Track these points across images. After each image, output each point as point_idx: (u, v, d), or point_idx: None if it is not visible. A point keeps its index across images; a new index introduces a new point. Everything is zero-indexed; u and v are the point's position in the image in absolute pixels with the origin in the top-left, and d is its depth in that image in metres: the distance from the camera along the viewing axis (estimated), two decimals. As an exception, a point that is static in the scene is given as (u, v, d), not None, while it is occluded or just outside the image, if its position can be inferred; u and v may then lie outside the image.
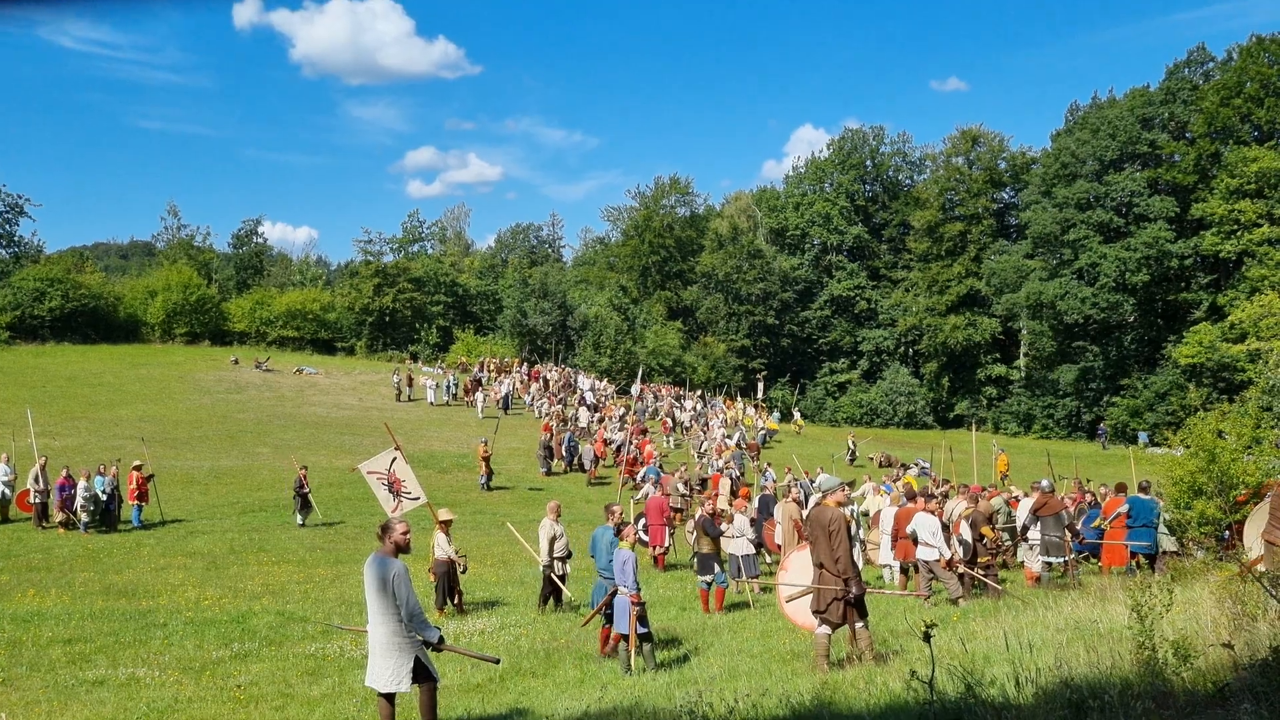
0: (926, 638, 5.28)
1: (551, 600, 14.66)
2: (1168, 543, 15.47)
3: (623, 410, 41.78)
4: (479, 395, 43.92)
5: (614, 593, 10.68)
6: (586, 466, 32.54)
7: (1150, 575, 13.93)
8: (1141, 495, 16.46)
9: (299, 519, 23.12)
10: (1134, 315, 62.97)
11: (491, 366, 53.75)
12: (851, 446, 44.45)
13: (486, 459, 29.74)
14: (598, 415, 41.51)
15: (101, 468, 22.64)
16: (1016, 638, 8.10)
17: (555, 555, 14.55)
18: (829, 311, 75.59)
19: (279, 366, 52.59)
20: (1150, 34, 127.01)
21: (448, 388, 46.39)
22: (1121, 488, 18.94)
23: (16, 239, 64.64)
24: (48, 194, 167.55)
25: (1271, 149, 56.48)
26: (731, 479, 26.35)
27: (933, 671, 5.20)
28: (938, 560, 13.93)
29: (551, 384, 49.00)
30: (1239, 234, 56.07)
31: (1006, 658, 7.52)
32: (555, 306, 65.99)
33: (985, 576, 14.23)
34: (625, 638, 10.15)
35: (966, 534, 14.33)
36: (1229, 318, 52.71)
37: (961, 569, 14.18)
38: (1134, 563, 16.50)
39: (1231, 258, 57.66)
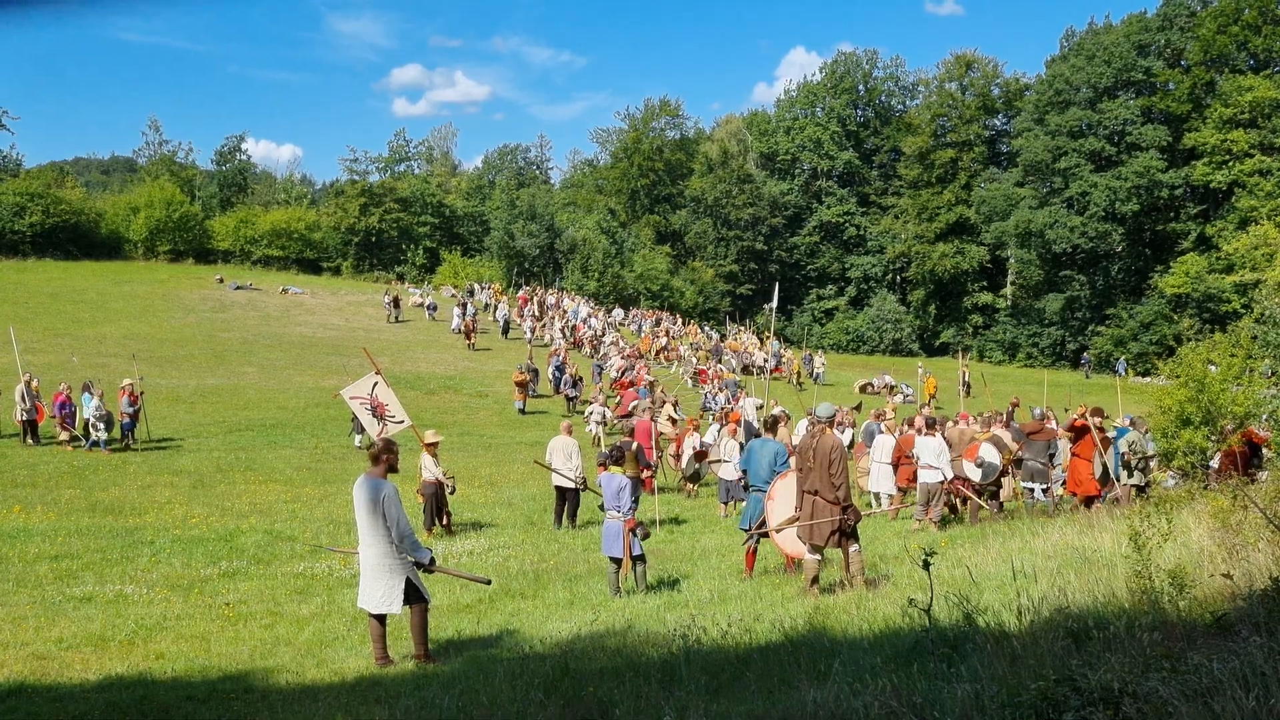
0: (926, 565, 5.24)
1: (566, 518, 15.10)
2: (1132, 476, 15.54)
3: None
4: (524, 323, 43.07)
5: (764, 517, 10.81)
6: (570, 394, 31.79)
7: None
8: (1128, 427, 16.50)
9: (356, 439, 22.87)
10: (1122, 245, 62.89)
11: (497, 291, 53.22)
12: (966, 379, 43.36)
13: (521, 384, 29.61)
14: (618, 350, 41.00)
15: (129, 387, 22.24)
16: (1008, 565, 8.12)
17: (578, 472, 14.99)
18: (818, 238, 75.20)
19: (264, 285, 52.12)
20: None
21: (499, 314, 45.05)
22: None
23: (-6, 152, 63.50)
24: (25, 106, 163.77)
25: (1267, 78, 56.00)
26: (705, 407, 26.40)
27: (931, 600, 5.16)
28: (941, 483, 14.00)
29: (547, 308, 48.75)
30: (1230, 164, 55.88)
31: (999, 585, 7.54)
32: (543, 229, 65.37)
33: (988, 502, 14.44)
34: (617, 560, 10.15)
35: (993, 456, 14.39)
36: (1218, 248, 52.81)
37: (968, 493, 14.33)
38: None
39: (1222, 188, 57.49)
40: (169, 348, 35.34)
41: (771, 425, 14.46)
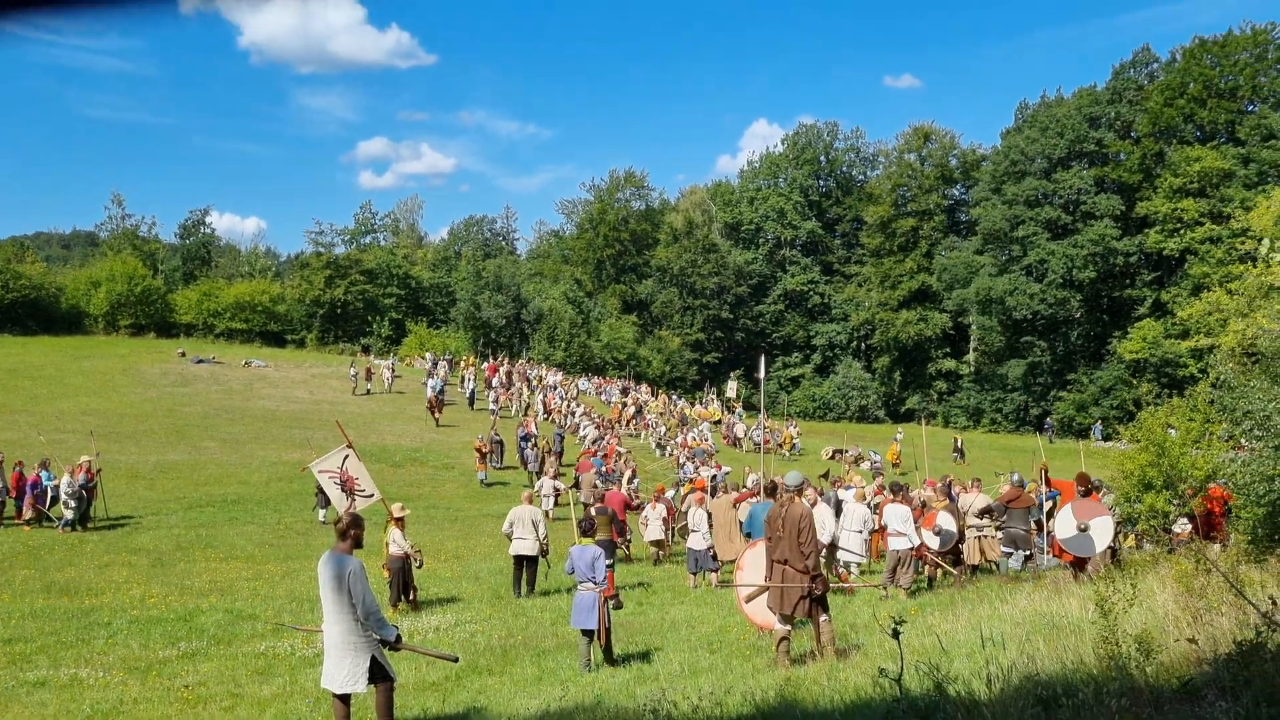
0: (895, 634, 5.22)
1: (525, 585, 15.22)
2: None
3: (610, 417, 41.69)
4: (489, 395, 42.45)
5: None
6: (529, 464, 31.09)
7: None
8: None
9: (321, 514, 22.60)
10: (1080, 311, 63.95)
11: (469, 361, 52.91)
12: (959, 446, 44.44)
13: (484, 454, 29.35)
14: (586, 418, 40.63)
15: (87, 464, 21.88)
16: (977, 631, 8.11)
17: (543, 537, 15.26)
18: (782, 306, 75.88)
19: (226, 359, 51.70)
20: (1097, 34, 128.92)
21: (468, 386, 44.82)
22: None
23: (-47, 227, 63.00)
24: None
25: (1213, 149, 57.67)
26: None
27: (901, 669, 5.15)
28: (910, 550, 14.04)
29: (514, 379, 48.63)
30: (1181, 232, 57.25)
31: (969, 652, 7.53)
32: (509, 299, 65.50)
33: (954, 568, 14.46)
34: (590, 633, 10.05)
35: (950, 524, 14.47)
36: (1173, 314, 53.90)
37: (935, 559, 14.37)
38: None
39: (1174, 255, 58.78)
40: (129, 423, 34.87)
41: (773, 490, 14.46)
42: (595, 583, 10.06)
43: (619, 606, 10.41)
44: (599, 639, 10.04)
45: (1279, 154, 55.19)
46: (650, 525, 19.55)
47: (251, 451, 31.86)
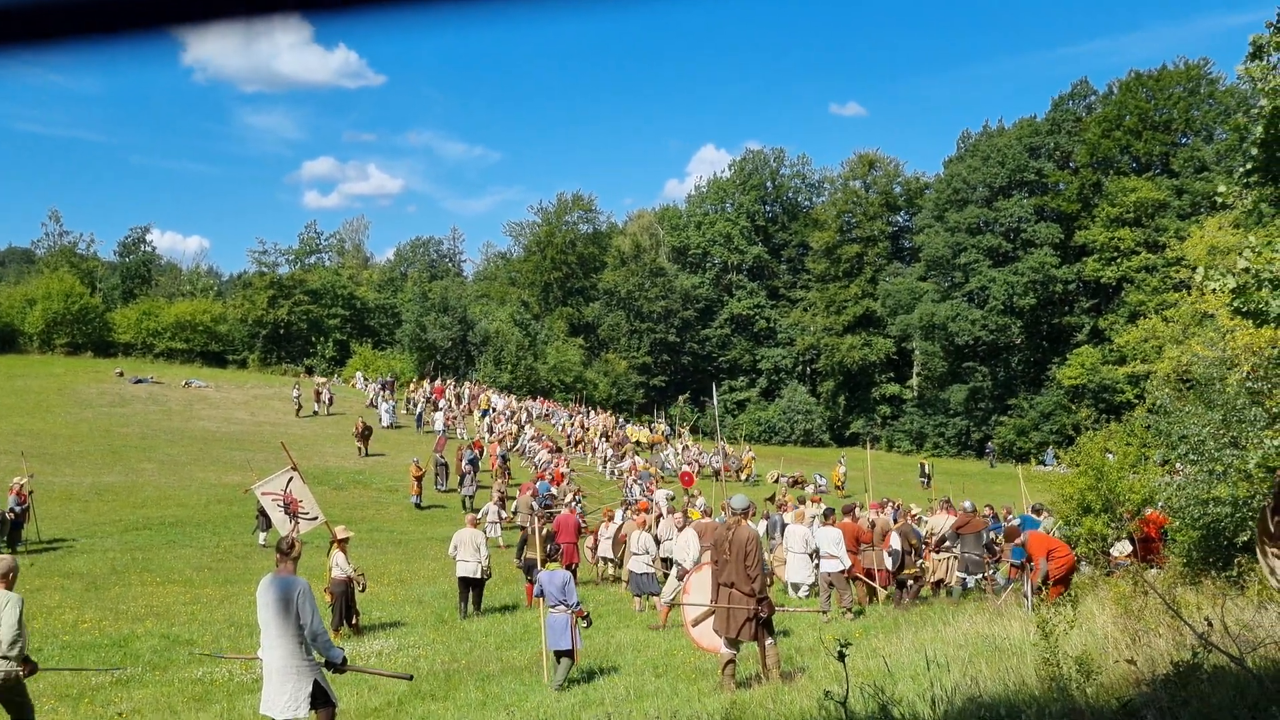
0: (841, 656, 5.25)
1: (471, 606, 15.42)
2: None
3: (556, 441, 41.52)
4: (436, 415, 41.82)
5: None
6: (466, 488, 30.71)
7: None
8: (1033, 515, 16.95)
9: (261, 537, 22.20)
10: (1021, 337, 65.11)
11: (419, 386, 52.47)
12: (927, 471, 44.73)
13: (419, 478, 29.06)
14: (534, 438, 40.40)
15: (19, 485, 21.30)
16: (922, 654, 8.18)
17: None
18: (729, 330, 76.39)
19: (166, 379, 50.72)
20: (1037, 66, 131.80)
21: (416, 408, 44.44)
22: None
23: (-118, 242, 61.29)
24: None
25: (1149, 180, 59.20)
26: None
27: (846, 692, 5.17)
28: (840, 572, 14.14)
29: (463, 401, 48.33)
30: (1119, 261, 58.60)
31: (913, 674, 7.58)
32: (455, 321, 65.17)
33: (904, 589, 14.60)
34: (561, 653, 10.14)
35: (897, 544, 14.62)
36: (1110, 341, 55.04)
37: (867, 581, 14.48)
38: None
39: (1112, 283, 60.15)
40: (63, 444, 34.04)
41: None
42: (567, 605, 10.20)
43: (589, 624, 10.56)
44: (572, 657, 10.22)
45: (1211, 185, 56.70)
46: (601, 543, 19.68)
47: (190, 473, 31.26)
